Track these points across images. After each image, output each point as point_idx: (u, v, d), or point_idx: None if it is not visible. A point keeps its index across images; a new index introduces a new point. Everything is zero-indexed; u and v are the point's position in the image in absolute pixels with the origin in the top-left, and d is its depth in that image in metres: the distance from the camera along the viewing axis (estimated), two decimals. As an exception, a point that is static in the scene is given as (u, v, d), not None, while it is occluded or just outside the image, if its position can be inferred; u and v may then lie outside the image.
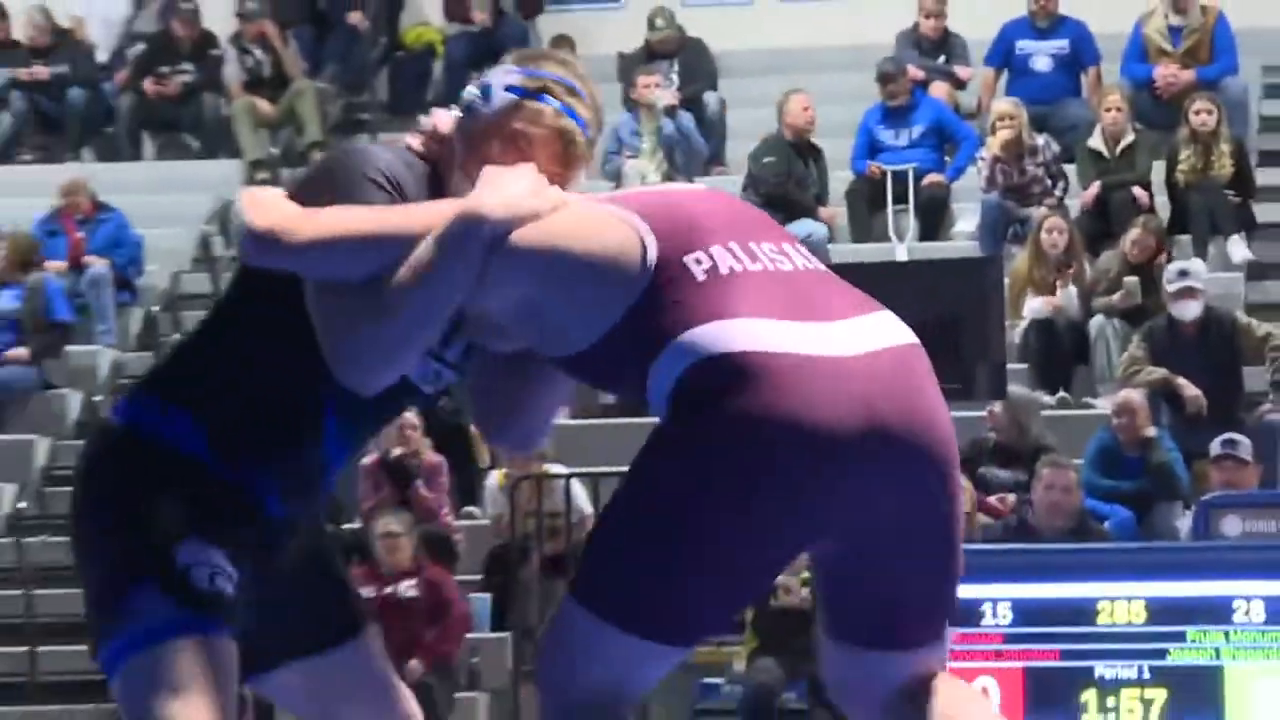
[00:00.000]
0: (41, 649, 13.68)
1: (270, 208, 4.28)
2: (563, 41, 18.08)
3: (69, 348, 15.92)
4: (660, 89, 17.13)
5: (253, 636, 4.44)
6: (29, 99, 18.45)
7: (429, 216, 4.28)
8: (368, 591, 13.03)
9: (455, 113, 4.51)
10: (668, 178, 17.02)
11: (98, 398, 15.62)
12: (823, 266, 4.50)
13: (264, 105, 18.12)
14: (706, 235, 4.33)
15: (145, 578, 4.28)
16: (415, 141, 4.52)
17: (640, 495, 4.27)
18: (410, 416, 13.87)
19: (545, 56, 4.62)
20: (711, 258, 4.28)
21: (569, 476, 13.58)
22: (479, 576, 13.79)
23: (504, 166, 4.34)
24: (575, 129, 4.48)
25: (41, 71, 18.42)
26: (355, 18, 18.71)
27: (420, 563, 13.14)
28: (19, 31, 18.59)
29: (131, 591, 4.28)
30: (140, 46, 18.66)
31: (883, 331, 4.42)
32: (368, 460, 13.99)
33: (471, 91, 4.49)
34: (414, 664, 12.82)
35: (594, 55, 18.33)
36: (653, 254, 4.27)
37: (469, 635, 13.27)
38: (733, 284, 4.26)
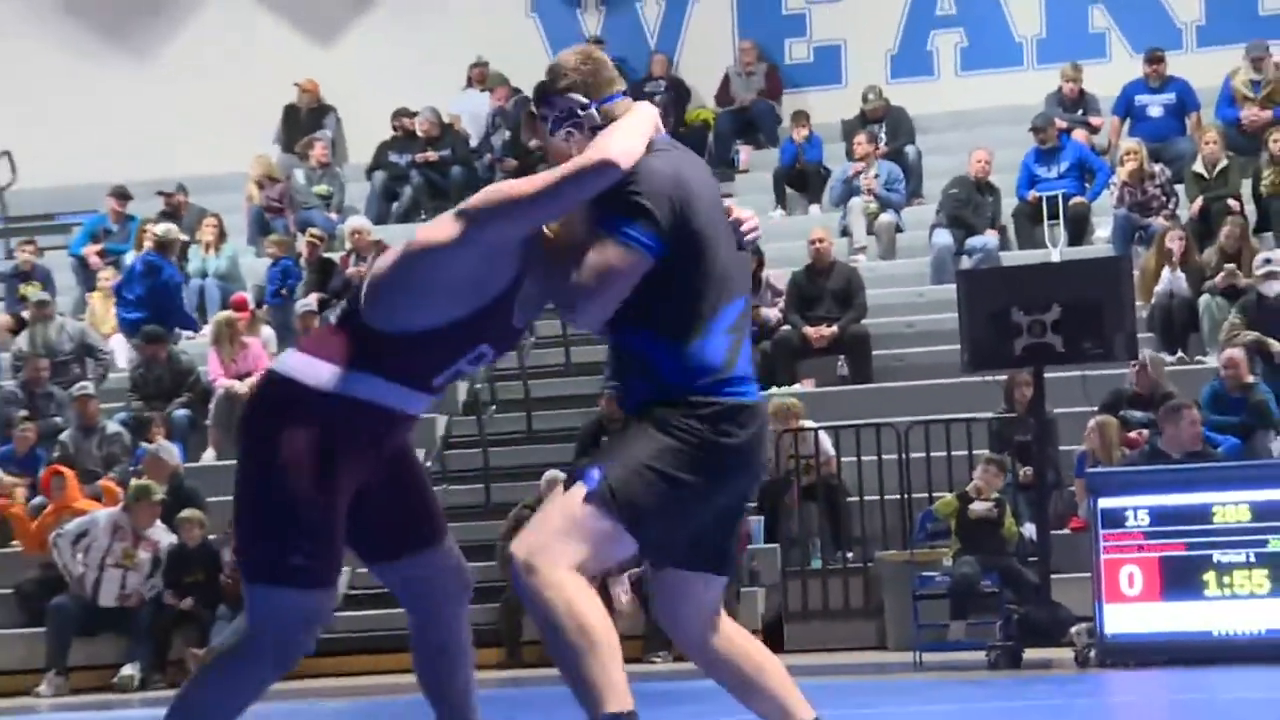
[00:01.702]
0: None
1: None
2: (800, 115, 18.01)
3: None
4: (867, 145, 17.14)
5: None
6: (424, 175, 18.65)
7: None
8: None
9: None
10: (880, 210, 16.98)
11: (478, 386, 15.69)
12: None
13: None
14: None
15: None
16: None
17: None
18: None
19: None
20: None
21: (817, 429, 13.48)
22: (754, 504, 13.70)
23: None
24: None
25: (432, 155, 18.61)
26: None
27: (712, 495, 13.03)
28: (417, 128, 18.79)
29: None
30: (504, 133, 18.77)
31: None
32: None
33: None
34: (710, 568, 12.74)
35: (824, 123, 18.25)
36: None
37: (749, 546, 13.18)
38: None
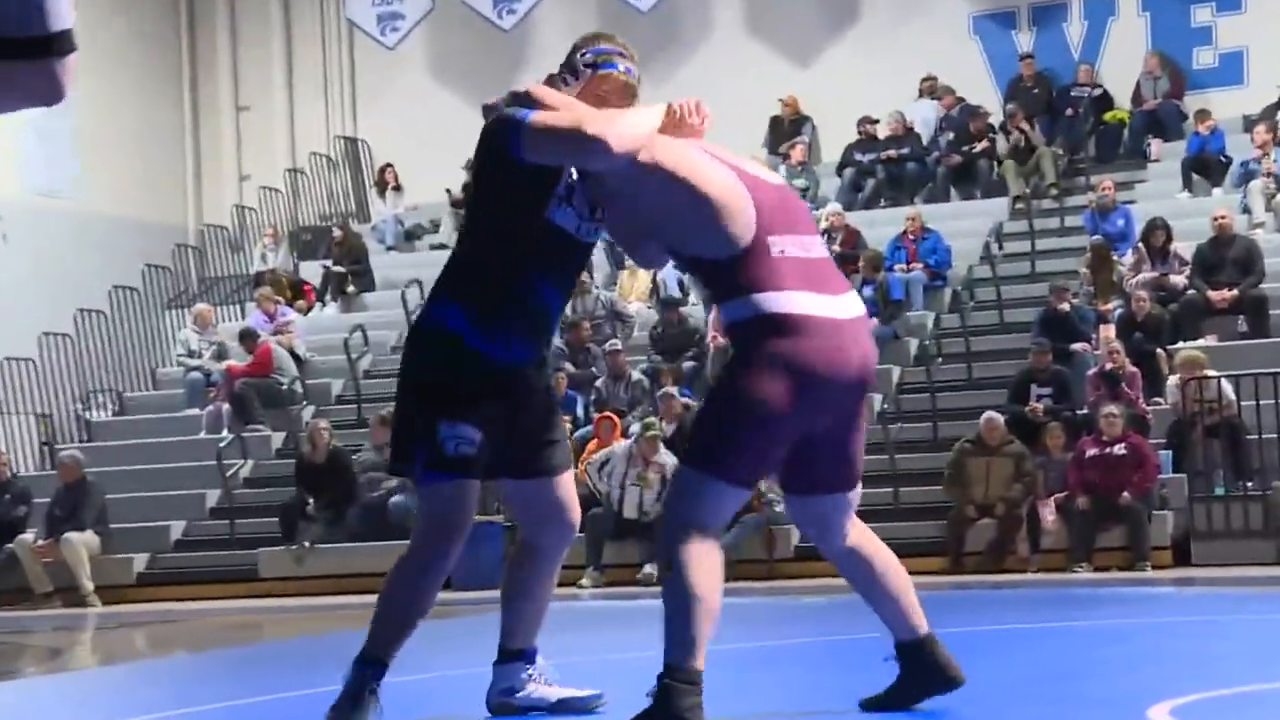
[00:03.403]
0: (901, 489, 13.56)
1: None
2: (1203, 113, 17.05)
3: (908, 314, 15.78)
4: (1265, 134, 16.06)
5: (496, 455, 4.13)
6: (886, 170, 18.42)
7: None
8: (1093, 451, 12.52)
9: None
10: (1278, 191, 15.95)
11: (927, 341, 15.43)
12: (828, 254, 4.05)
13: (1020, 163, 17.67)
14: (778, 225, 3.91)
15: (419, 443, 4.06)
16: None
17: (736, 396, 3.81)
18: (1117, 344, 13.27)
19: (600, 36, 4.23)
20: (782, 243, 3.89)
21: (1220, 377, 12.76)
22: (1164, 440, 13.07)
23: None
24: (633, 80, 4.17)
25: (893, 153, 18.36)
26: (1070, 113, 18.07)
27: (1127, 433, 12.52)
28: (881, 131, 18.54)
29: (416, 448, 4.07)
30: (950, 135, 18.39)
31: (856, 303, 3.97)
32: (1091, 372, 13.44)
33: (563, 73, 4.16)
34: (1125, 495, 12.24)
35: (1226, 118, 17.24)
36: (753, 228, 3.88)
37: (1160, 476, 12.58)
38: (786, 263, 3.85)
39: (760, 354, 3.81)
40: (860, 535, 4.16)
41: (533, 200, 4.09)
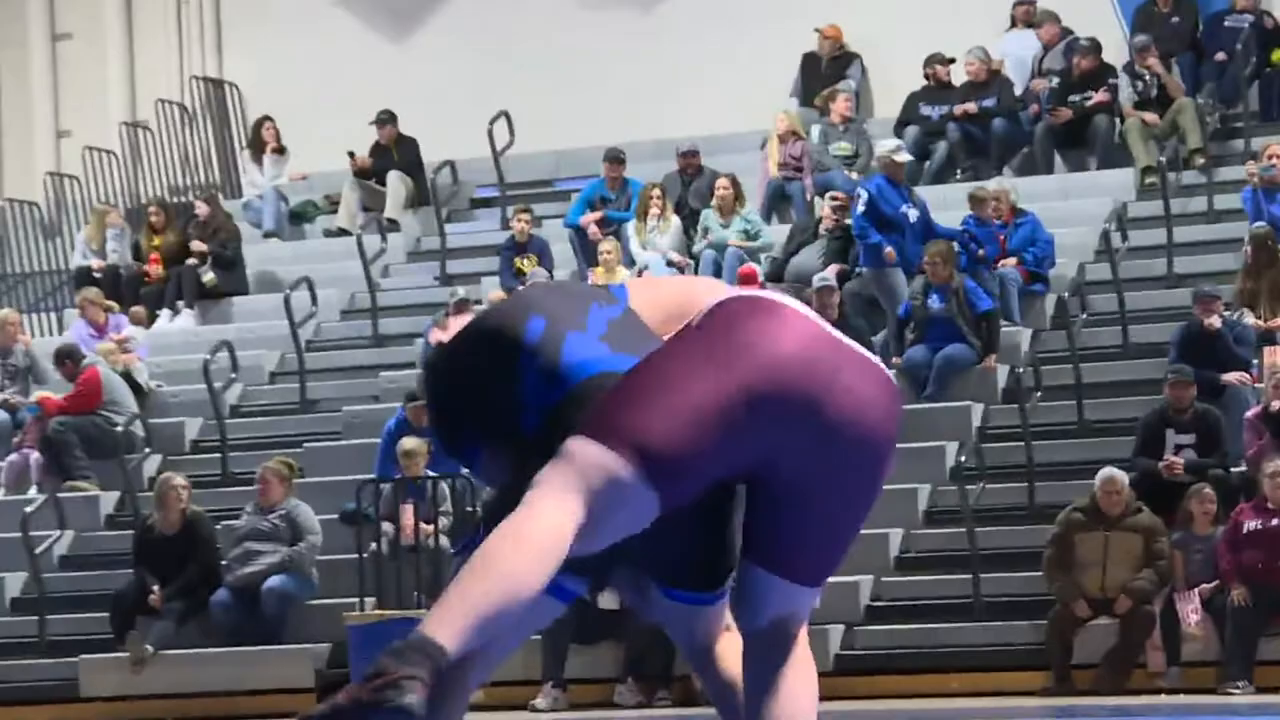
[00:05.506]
0: (983, 575, 13.57)
1: None
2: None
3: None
4: None
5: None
6: (961, 129, 18.48)
7: None
8: (1254, 524, 12.57)
9: None
10: None
11: (1020, 369, 15.46)
12: None
13: (1152, 120, 17.77)
14: None
15: None
16: None
17: None
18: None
19: None
20: None
21: None
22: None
23: None
24: None
25: (972, 106, 18.43)
26: (1223, 53, 18.19)
27: (1301, 497, 12.60)
28: (957, 75, 18.63)
29: None
30: (1053, 81, 18.49)
31: None
32: (1250, 413, 13.51)
33: None
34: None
35: None
36: None
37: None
38: None
39: None
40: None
41: None
